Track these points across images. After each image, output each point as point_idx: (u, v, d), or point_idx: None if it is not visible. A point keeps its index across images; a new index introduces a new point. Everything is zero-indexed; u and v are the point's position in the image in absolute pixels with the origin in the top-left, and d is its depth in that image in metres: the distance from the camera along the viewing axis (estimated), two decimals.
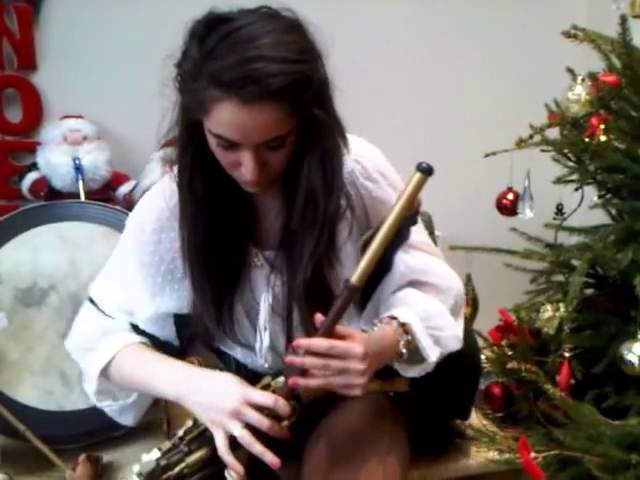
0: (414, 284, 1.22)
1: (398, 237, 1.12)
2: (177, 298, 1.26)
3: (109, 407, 1.33)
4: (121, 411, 1.34)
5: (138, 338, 1.29)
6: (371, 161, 1.22)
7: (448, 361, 1.19)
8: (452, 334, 1.21)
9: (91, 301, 1.35)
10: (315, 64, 1.06)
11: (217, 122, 1.03)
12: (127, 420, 1.37)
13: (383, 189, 1.21)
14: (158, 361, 1.24)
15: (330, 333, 1.04)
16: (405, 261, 1.21)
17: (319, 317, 1.05)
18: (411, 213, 1.09)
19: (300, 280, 1.15)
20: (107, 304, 1.32)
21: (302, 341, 1.04)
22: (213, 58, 1.00)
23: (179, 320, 1.30)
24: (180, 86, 1.08)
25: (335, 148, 1.12)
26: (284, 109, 1.02)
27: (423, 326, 1.14)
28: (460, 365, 1.22)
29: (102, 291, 1.34)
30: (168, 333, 1.31)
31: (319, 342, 1.03)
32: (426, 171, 1.03)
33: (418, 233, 1.23)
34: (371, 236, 1.08)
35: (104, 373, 1.27)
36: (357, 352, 1.02)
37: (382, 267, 1.16)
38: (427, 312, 1.17)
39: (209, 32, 1.02)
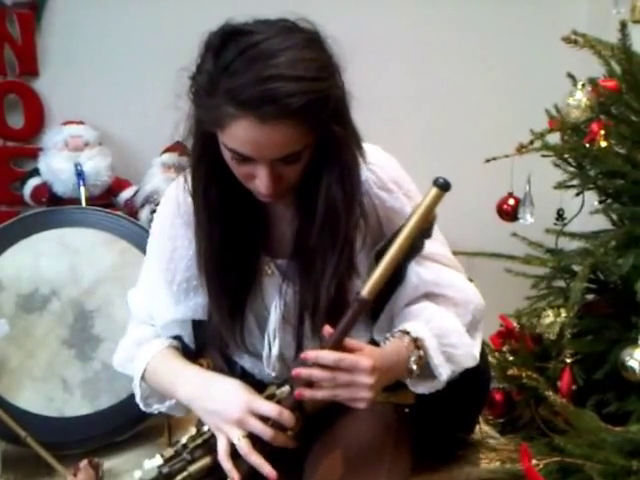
0: (429, 297, 1.20)
1: (412, 250, 1.10)
2: (193, 305, 1.26)
3: (158, 409, 1.34)
4: (170, 410, 1.33)
5: (167, 343, 1.30)
6: (386, 171, 1.20)
7: (458, 375, 1.17)
8: (467, 352, 1.18)
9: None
10: (333, 80, 1.03)
11: (232, 138, 1.02)
12: (179, 413, 1.35)
13: (398, 199, 1.19)
14: (177, 367, 1.25)
15: (339, 346, 1.03)
16: (418, 273, 1.18)
17: (328, 329, 1.04)
18: (426, 227, 1.08)
19: (324, 298, 1.14)
20: (138, 311, 1.35)
21: (310, 353, 1.03)
22: (230, 74, 0.98)
23: (195, 325, 1.30)
24: (195, 99, 1.05)
25: (354, 162, 1.11)
26: (301, 127, 1.00)
27: (437, 342, 1.12)
28: (469, 380, 1.19)
29: (134, 299, 1.37)
30: (186, 338, 1.31)
31: (327, 354, 1.01)
32: (443, 187, 1.02)
33: (435, 244, 1.20)
34: (384, 247, 1.08)
35: (144, 381, 1.29)
36: (365, 366, 1.01)
37: (395, 279, 1.14)
38: (442, 328, 1.14)
39: (225, 45, 1.00)
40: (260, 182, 1.06)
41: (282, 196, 1.12)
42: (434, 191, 1.02)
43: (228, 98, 0.99)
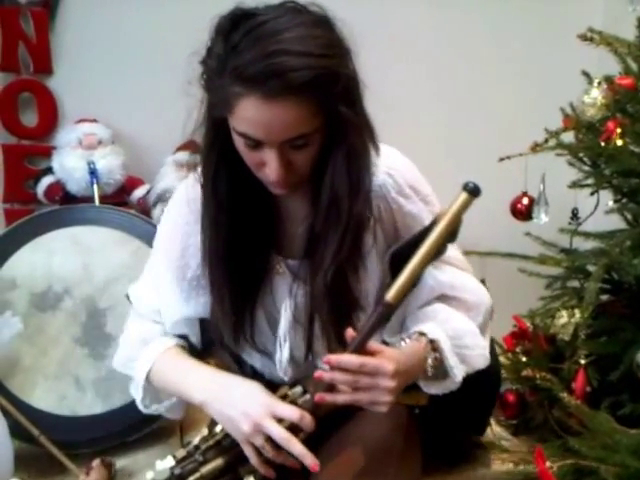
0: (443, 299, 1.19)
1: (436, 254, 1.09)
2: (203, 303, 1.25)
3: (156, 410, 1.32)
4: (168, 410, 1.32)
5: (174, 341, 1.28)
6: (403, 175, 1.18)
7: (468, 376, 1.16)
8: (480, 354, 1.18)
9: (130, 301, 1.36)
10: (341, 60, 1.03)
11: (241, 119, 1.02)
12: (175, 415, 1.35)
13: (415, 204, 1.18)
14: (187, 367, 1.23)
15: (361, 350, 1.03)
16: (434, 275, 1.18)
17: (350, 332, 1.04)
18: (452, 231, 1.07)
19: (320, 284, 1.13)
20: (143, 307, 1.33)
21: (333, 357, 1.02)
22: (237, 53, 0.98)
23: (202, 324, 1.29)
24: (205, 83, 1.06)
25: (362, 149, 1.09)
26: (308, 105, 0.99)
27: (451, 344, 1.12)
28: (479, 381, 1.19)
29: (138, 294, 1.34)
30: (193, 337, 1.30)
31: (350, 358, 1.01)
32: (473, 192, 1.01)
33: (449, 248, 1.20)
34: (398, 250, 1.07)
35: (148, 381, 1.27)
36: (387, 370, 1.00)
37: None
38: (456, 330, 1.14)
39: (234, 28, 1.00)
40: (270, 168, 1.05)
41: (293, 187, 1.11)
42: (463, 196, 1.01)
43: (235, 76, 0.99)
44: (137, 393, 1.29)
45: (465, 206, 1.02)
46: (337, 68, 1.01)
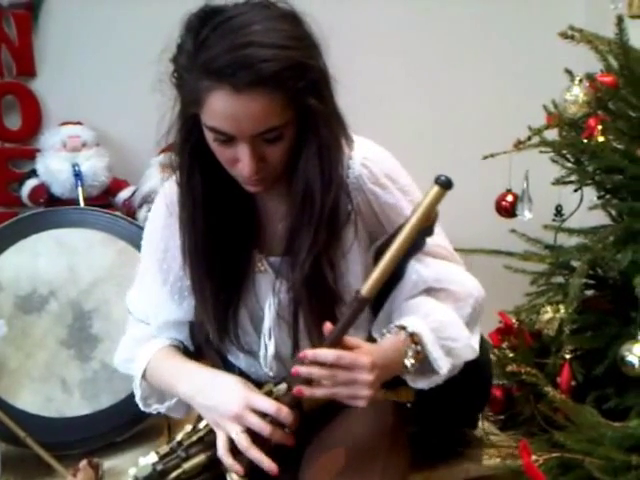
0: (430, 292, 1.19)
1: (413, 248, 1.09)
2: (187, 306, 1.26)
3: (157, 410, 1.33)
4: (169, 410, 1.33)
5: (168, 341, 1.30)
6: (379, 165, 1.19)
7: (461, 370, 1.17)
8: (466, 344, 1.16)
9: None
10: (309, 52, 1.04)
11: (211, 113, 1.02)
12: (178, 415, 1.36)
13: (392, 194, 1.19)
14: (178, 364, 1.25)
15: (337, 344, 1.03)
16: (418, 270, 1.18)
17: (328, 326, 1.04)
18: (428, 225, 1.07)
19: (298, 277, 1.13)
20: (137, 310, 1.35)
21: (309, 352, 1.02)
22: (205, 48, 1.00)
23: (192, 326, 1.30)
24: (176, 81, 1.07)
25: (333, 141, 1.10)
26: (276, 97, 1.00)
27: (434, 337, 1.11)
28: (470, 375, 1.19)
29: (132, 298, 1.37)
30: (184, 339, 1.32)
31: (326, 352, 1.01)
32: (444, 185, 1.01)
33: (435, 236, 1.19)
34: (383, 245, 1.07)
35: (144, 381, 1.29)
36: (364, 363, 1.00)
37: (394, 275, 1.13)
38: (440, 322, 1.13)
39: (203, 24, 1.02)
40: (242, 164, 1.05)
41: (268, 183, 1.11)
42: (435, 189, 1.01)
43: (204, 70, 1.00)
44: (136, 393, 1.31)
45: (437, 199, 1.02)
46: (305, 60, 1.02)
